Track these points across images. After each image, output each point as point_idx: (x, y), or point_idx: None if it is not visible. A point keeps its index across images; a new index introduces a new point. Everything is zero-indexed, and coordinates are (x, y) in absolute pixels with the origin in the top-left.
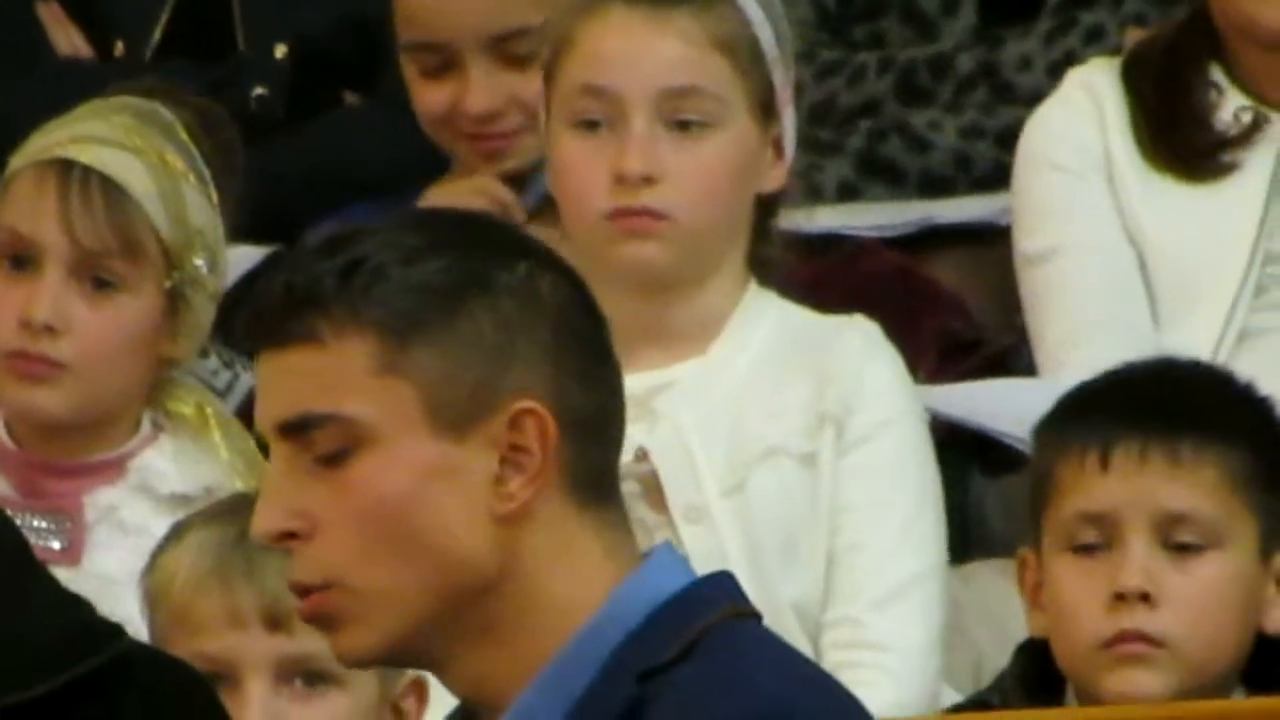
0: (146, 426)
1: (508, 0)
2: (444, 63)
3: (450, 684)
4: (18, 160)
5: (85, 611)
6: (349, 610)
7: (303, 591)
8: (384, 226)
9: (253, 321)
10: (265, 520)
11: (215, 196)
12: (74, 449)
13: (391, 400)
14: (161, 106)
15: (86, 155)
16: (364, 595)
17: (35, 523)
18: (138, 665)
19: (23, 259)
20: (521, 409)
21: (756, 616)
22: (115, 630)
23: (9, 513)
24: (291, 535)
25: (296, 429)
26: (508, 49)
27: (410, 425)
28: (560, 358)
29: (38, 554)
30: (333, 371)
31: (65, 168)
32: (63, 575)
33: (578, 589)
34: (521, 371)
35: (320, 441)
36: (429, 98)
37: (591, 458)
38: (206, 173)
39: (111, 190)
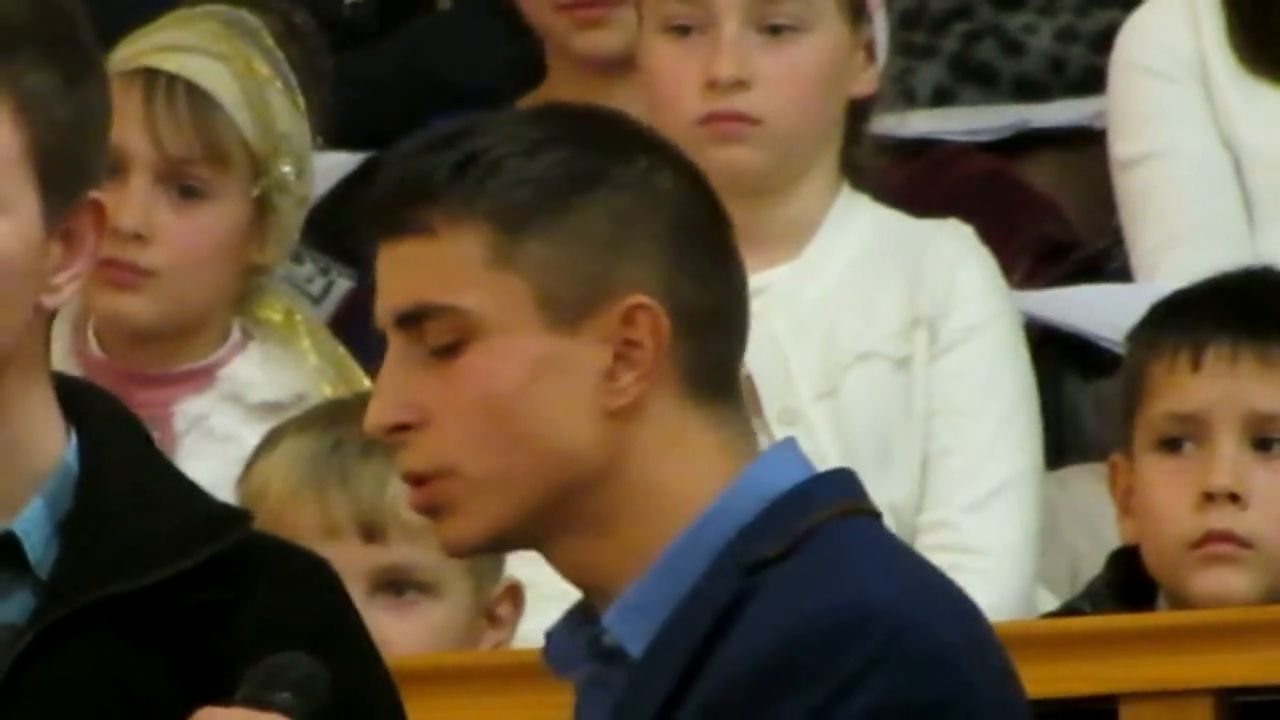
0: (235, 334)
1: None
2: None
3: (557, 567)
4: None
5: (212, 499)
6: (459, 498)
7: (416, 480)
8: (502, 119)
9: (370, 213)
10: (379, 413)
11: (301, 102)
12: (163, 358)
13: (504, 293)
14: (247, 14)
15: (171, 63)
16: (474, 483)
17: None
18: (265, 551)
19: (109, 168)
20: (634, 304)
21: (874, 514)
22: (243, 515)
23: None
24: (404, 427)
25: (410, 320)
26: None
27: (522, 318)
28: (677, 254)
29: None
30: (446, 263)
31: (150, 76)
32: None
33: (690, 483)
34: (636, 266)
35: (433, 333)
36: None
37: (707, 354)
38: (293, 78)
39: (197, 97)
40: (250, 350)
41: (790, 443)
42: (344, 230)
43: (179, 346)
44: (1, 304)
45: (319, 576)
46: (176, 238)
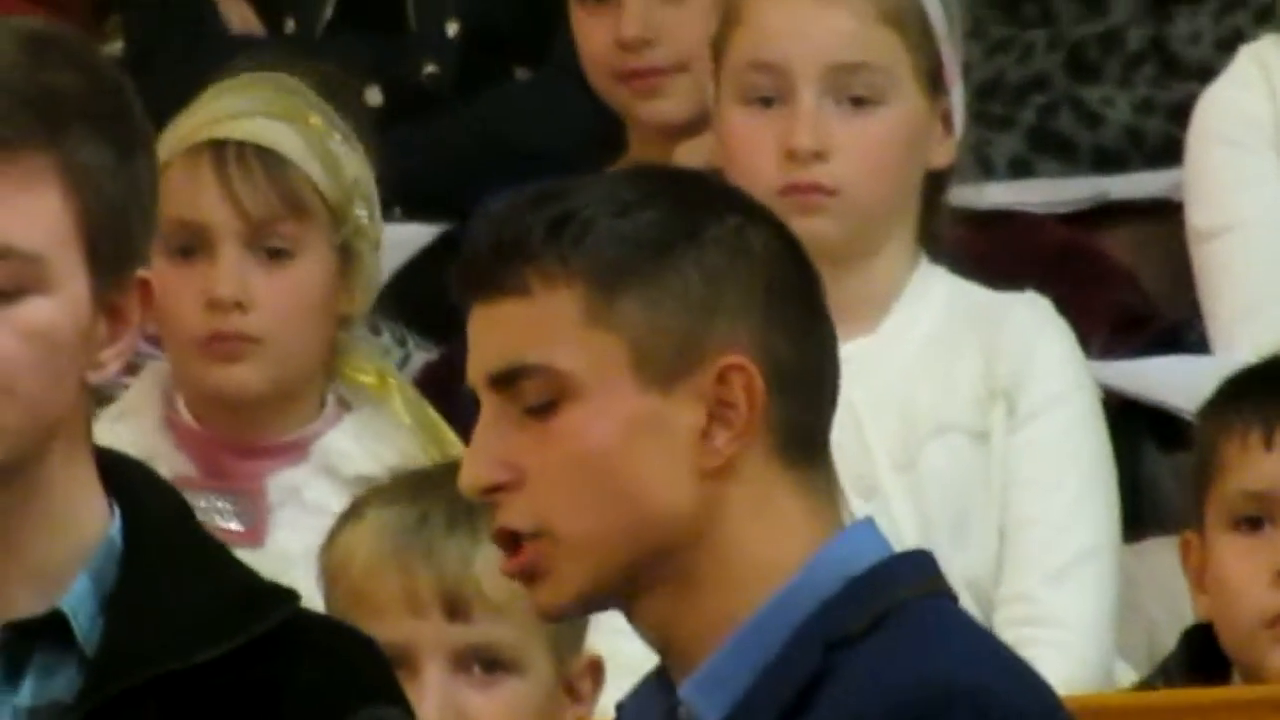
0: (330, 406)
1: None
2: None
3: (640, 627)
4: (164, 151)
5: (257, 576)
6: (554, 562)
7: (509, 538)
8: (595, 180)
9: (463, 273)
10: (474, 473)
11: (359, 148)
12: (258, 428)
13: (599, 352)
14: (283, 75)
15: (235, 130)
16: (569, 545)
17: (218, 503)
18: (311, 629)
19: (190, 247)
20: (729, 364)
21: (951, 595)
22: (289, 594)
23: (192, 492)
24: (499, 488)
25: (505, 380)
26: None
27: (617, 377)
28: (770, 313)
29: (219, 534)
30: (541, 323)
31: (217, 147)
32: (245, 556)
33: (776, 550)
34: (730, 326)
35: (528, 393)
36: (589, 32)
37: (799, 416)
38: (347, 127)
39: (268, 158)
40: (345, 423)
41: (870, 521)
42: (422, 302)
43: (275, 416)
44: (48, 379)
45: (365, 654)
46: (274, 300)
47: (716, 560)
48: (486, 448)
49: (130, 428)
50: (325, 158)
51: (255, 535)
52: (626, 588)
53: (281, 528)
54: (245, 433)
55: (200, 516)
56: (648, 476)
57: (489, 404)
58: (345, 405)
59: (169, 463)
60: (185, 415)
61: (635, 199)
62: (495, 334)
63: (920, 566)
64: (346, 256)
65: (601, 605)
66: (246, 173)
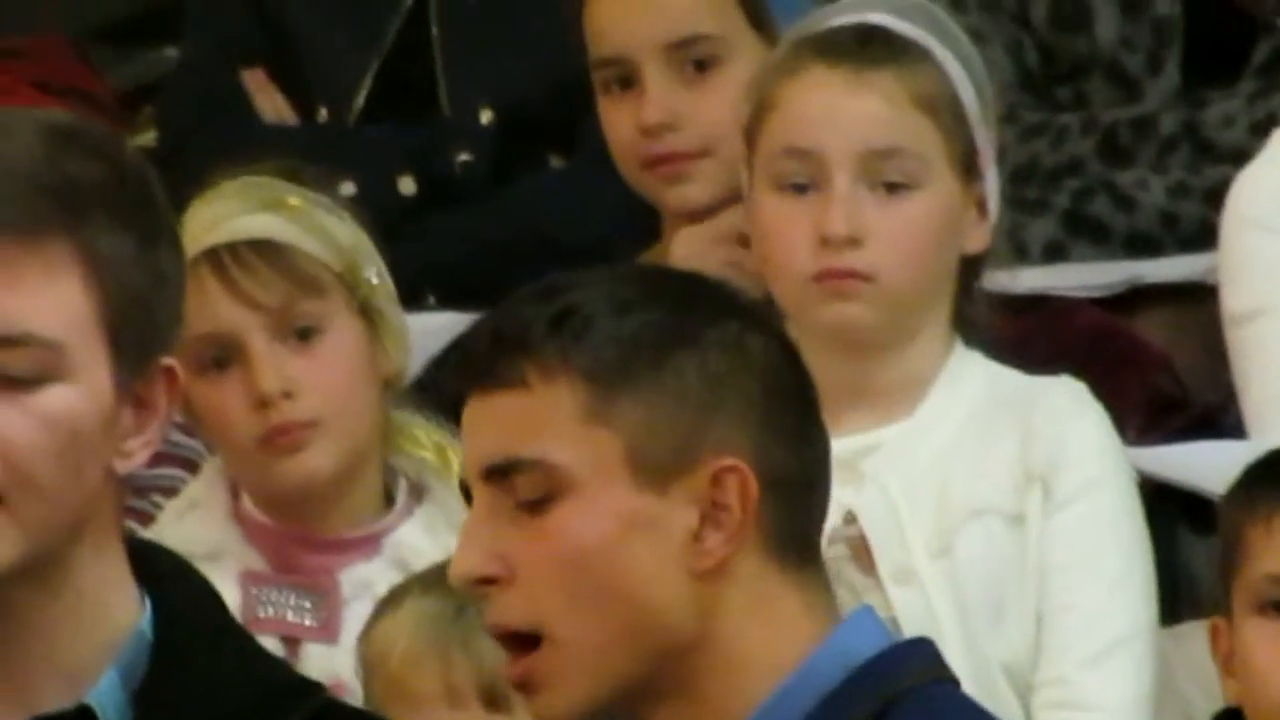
0: (401, 500)
1: (680, 9)
2: (625, 76)
3: None
4: None
5: (289, 669)
6: (553, 671)
7: (503, 635)
8: (598, 277)
9: (462, 364)
10: (465, 563)
11: (345, 215)
12: (327, 520)
13: (595, 449)
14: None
15: (224, 234)
16: (568, 650)
17: (290, 598)
18: (339, 718)
19: (222, 358)
20: (724, 466)
21: (954, 682)
22: (317, 687)
23: (261, 588)
24: (490, 580)
25: (500, 473)
26: (681, 56)
27: (612, 475)
28: (766, 417)
29: (293, 630)
30: (539, 417)
31: (211, 256)
32: (318, 651)
33: (775, 648)
34: (726, 428)
35: (522, 487)
36: (615, 120)
37: (793, 518)
38: (327, 199)
39: (263, 249)
40: (417, 516)
41: (869, 610)
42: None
43: (342, 504)
44: (70, 469)
45: None
46: (317, 379)
47: (717, 663)
48: (478, 540)
49: (199, 521)
50: (316, 231)
51: (329, 631)
52: (629, 698)
53: (355, 623)
54: (314, 525)
55: (273, 611)
56: (641, 575)
57: (482, 496)
58: (416, 498)
59: (239, 557)
60: (253, 510)
61: (637, 298)
62: (491, 426)
63: (921, 654)
64: (370, 317)
65: (604, 715)
66: (248, 269)
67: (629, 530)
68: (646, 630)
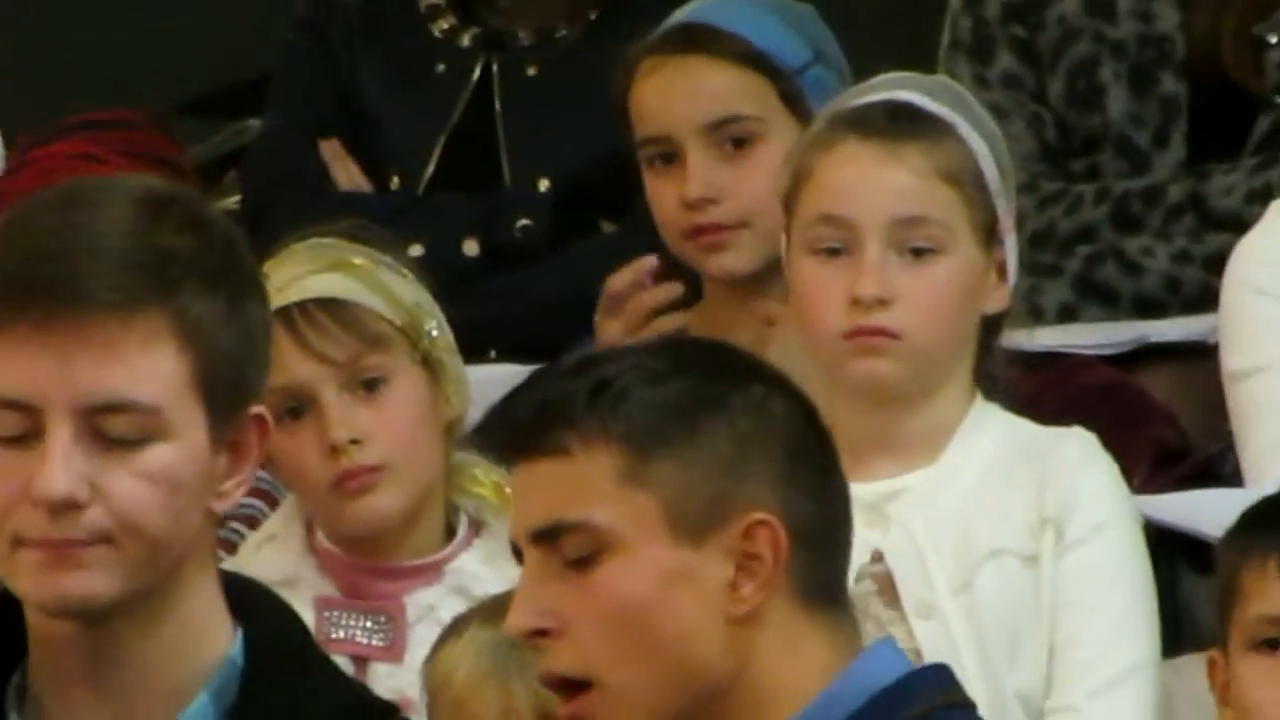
0: (462, 532)
1: (718, 92)
2: (668, 153)
3: None
4: None
5: (367, 691)
6: (603, 711)
7: (556, 682)
8: (630, 350)
9: (508, 435)
10: (519, 618)
11: (406, 272)
12: (393, 551)
13: (635, 510)
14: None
15: (294, 294)
16: (615, 695)
17: (361, 621)
18: None
19: (296, 408)
20: (755, 520)
21: (970, 706)
22: (393, 708)
23: (333, 613)
24: (543, 633)
25: (547, 536)
26: (720, 135)
27: (652, 533)
28: (791, 473)
29: (362, 650)
30: (581, 482)
31: (283, 314)
32: (385, 670)
33: (803, 683)
34: (755, 485)
35: (569, 547)
36: (659, 193)
37: (820, 565)
38: (389, 259)
39: (331, 307)
40: (476, 547)
41: (891, 640)
42: None
43: (407, 538)
44: (172, 517)
45: None
46: (383, 427)
47: (749, 700)
48: (531, 597)
49: (276, 552)
50: (380, 289)
51: (395, 651)
52: None
53: (419, 644)
54: (381, 556)
55: (344, 634)
56: (682, 625)
57: (532, 556)
58: (475, 531)
59: (313, 585)
60: (325, 542)
61: (668, 368)
62: (537, 492)
63: (939, 680)
64: (432, 368)
65: None
66: (317, 327)
67: (669, 583)
68: (687, 674)
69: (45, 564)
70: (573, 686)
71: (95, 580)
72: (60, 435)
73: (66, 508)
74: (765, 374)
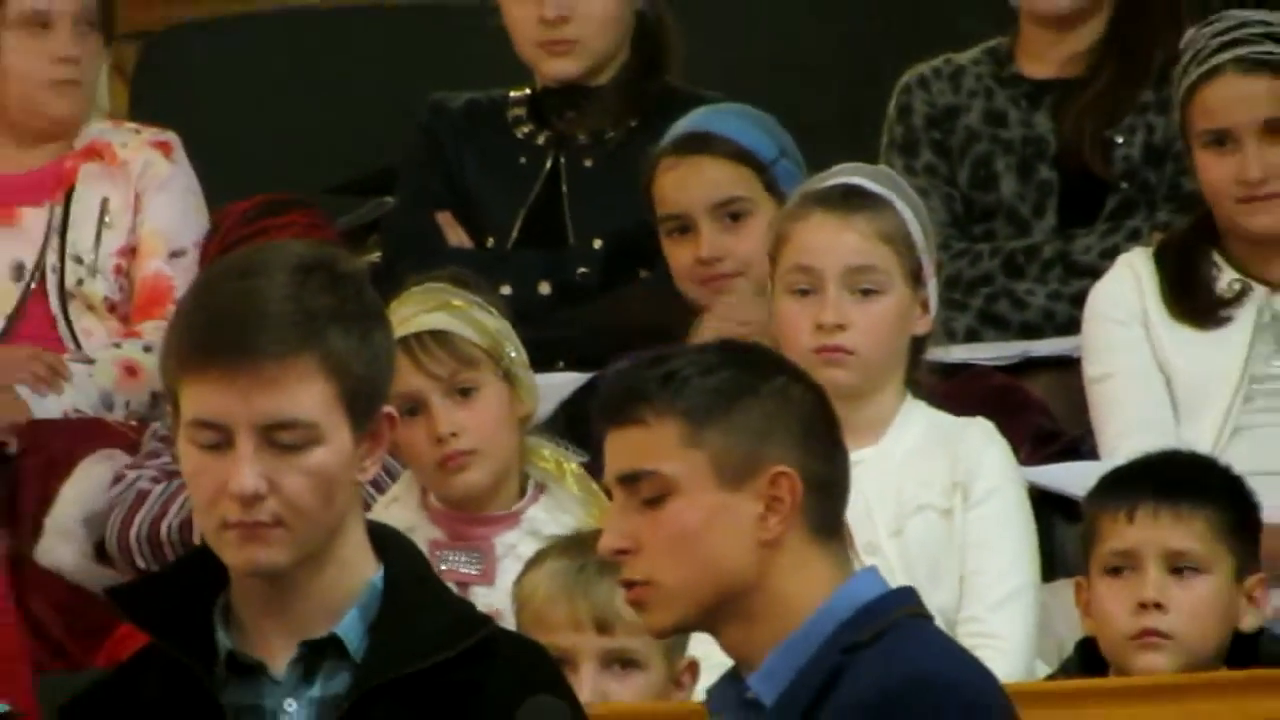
0: (531, 491)
1: (721, 180)
2: (683, 225)
3: (721, 644)
4: None
5: (471, 606)
6: (658, 599)
7: (628, 585)
8: (690, 349)
9: (601, 409)
10: (608, 540)
11: (495, 310)
12: (484, 506)
13: (691, 464)
14: (429, 283)
15: (411, 327)
16: (669, 589)
17: (462, 557)
18: (504, 642)
19: (411, 409)
20: (779, 472)
21: (929, 616)
22: (488, 619)
23: (442, 551)
24: (623, 551)
25: (629, 480)
26: (723, 211)
27: (703, 481)
28: (805, 440)
29: (464, 578)
30: (654, 444)
31: (403, 342)
32: (481, 592)
33: (810, 591)
34: (779, 448)
35: (644, 490)
36: (676, 254)
37: (825, 508)
38: (480, 299)
39: (436, 336)
40: (542, 500)
41: (874, 569)
42: (577, 423)
43: (493, 497)
44: (329, 500)
45: (540, 658)
46: (475, 422)
47: (769, 601)
48: (616, 525)
49: (400, 508)
50: (472, 324)
51: (488, 578)
52: (708, 619)
53: (506, 573)
54: (475, 510)
55: (450, 565)
56: (722, 546)
57: (618, 496)
58: (541, 489)
59: (425, 531)
60: (435, 502)
61: (717, 363)
62: (623, 450)
63: (907, 597)
64: (510, 379)
65: (693, 629)
66: (427, 352)
67: (715, 516)
68: (721, 580)
69: (240, 541)
70: (639, 586)
71: (275, 553)
72: (246, 446)
73: (253, 499)
74: (788, 368)
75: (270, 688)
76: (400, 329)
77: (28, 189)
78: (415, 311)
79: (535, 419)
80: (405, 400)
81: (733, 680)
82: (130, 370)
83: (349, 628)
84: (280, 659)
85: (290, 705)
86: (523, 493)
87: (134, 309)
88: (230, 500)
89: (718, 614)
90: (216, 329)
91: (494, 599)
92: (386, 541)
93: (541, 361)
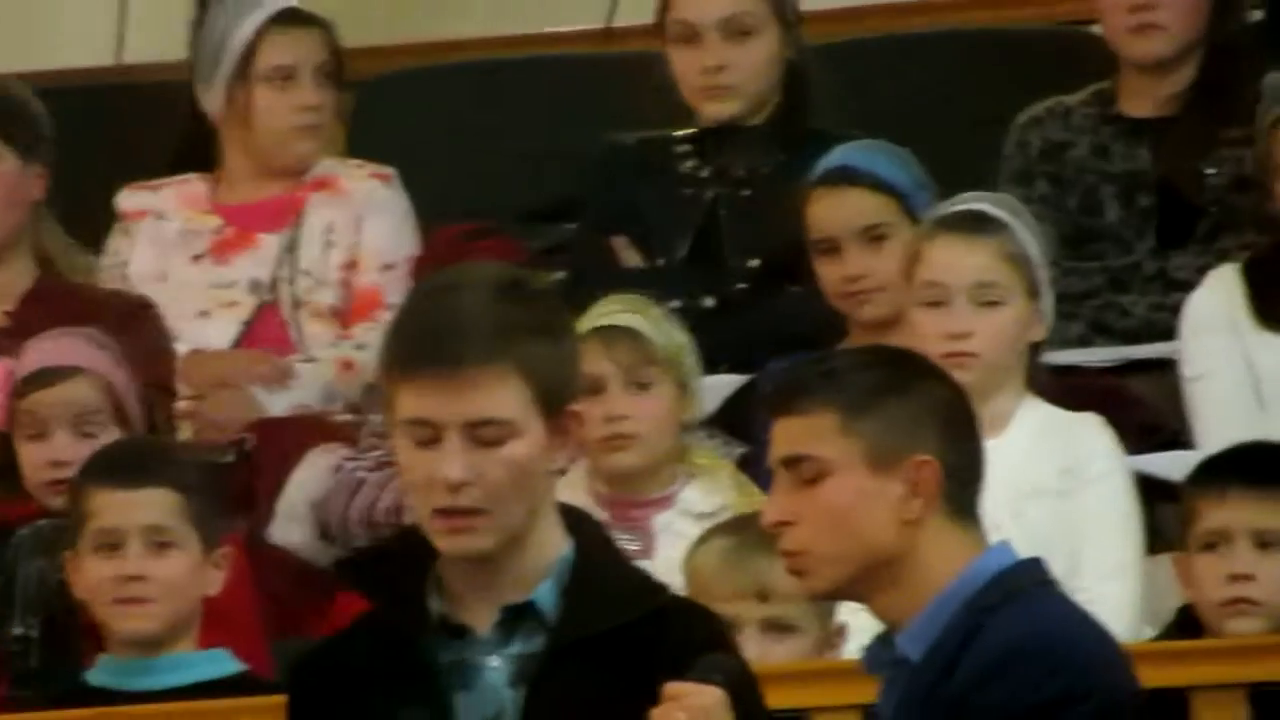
0: (682, 476)
1: (865, 209)
2: (832, 247)
3: (871, 610)
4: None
5: (648, 575)
6: (813, 566)
7: (788, 554)
8: (847, 351)
9: (771, 401)
10: (771, 514)
11: (680, 324)
12: (642, 490)
13: (846, 450)
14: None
15: (607, 321)
16: (821, 557)
17: (624, 534)
18: (678, 607)
19: (595, 388)
20: (921, 460)
21: (1054, 584)
22: (664, 586)
23: (609, 528)
24: (783, 523)
25: (792, 463)
26: (868, 234)
27: (856, 465)
28: (945, 431)
29: (627, 552)
30: (814, 431)
31: (601, 333)
32: (642, 565)
33: (949, 563)
34: (923, 439)
35: (804, 471)
36: (826, 273)
37: (963, 491)
38: (672, 316)
39: (628, 332)
40: (694, 483)
41: (1005, 542)
42: (738, 419)
43: (649, 481)
44: (526, 489)
45: (710, 622)
46: (643, 413)
47: (913, 572)
48: (778, 501)
49: (569, 491)
50: (662, 331)
51: (647, 553)
52: (858, 588)
53: (662, 549)
54: (635, 493)
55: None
56: (870, 524)
57: (781, 476)
58: (691, 477)
59: (593, 513)
60: (600, 485)
61: (871, 363)
62: (787, 436)
63: (1036, 567)
64: (682, 388)
65: (846, 596)
66: (617, 342)
67: (865, 497)
68: (868, 552)
69: (450, 528)
70: (796, 555)
71: (479, 539)
72: (453, 441)
73: (460, 486)
74: (933, 369)
75: (476, 647)
76: (600, 320)
77: (265, 217)
78: (617, 309)
79: (698, 418)
80: (588, 380)
81: (883, 641)
82: (347, 365)
83: (544, 595)
84: (484, 622)
85: (494, 662)
86: (675, 479)
87: (350, 314)
88: (440, 488)
89: (867, 582)
90: (426, 340)
91: (652, 570)
92: (576, 521)
93: (705, 365)
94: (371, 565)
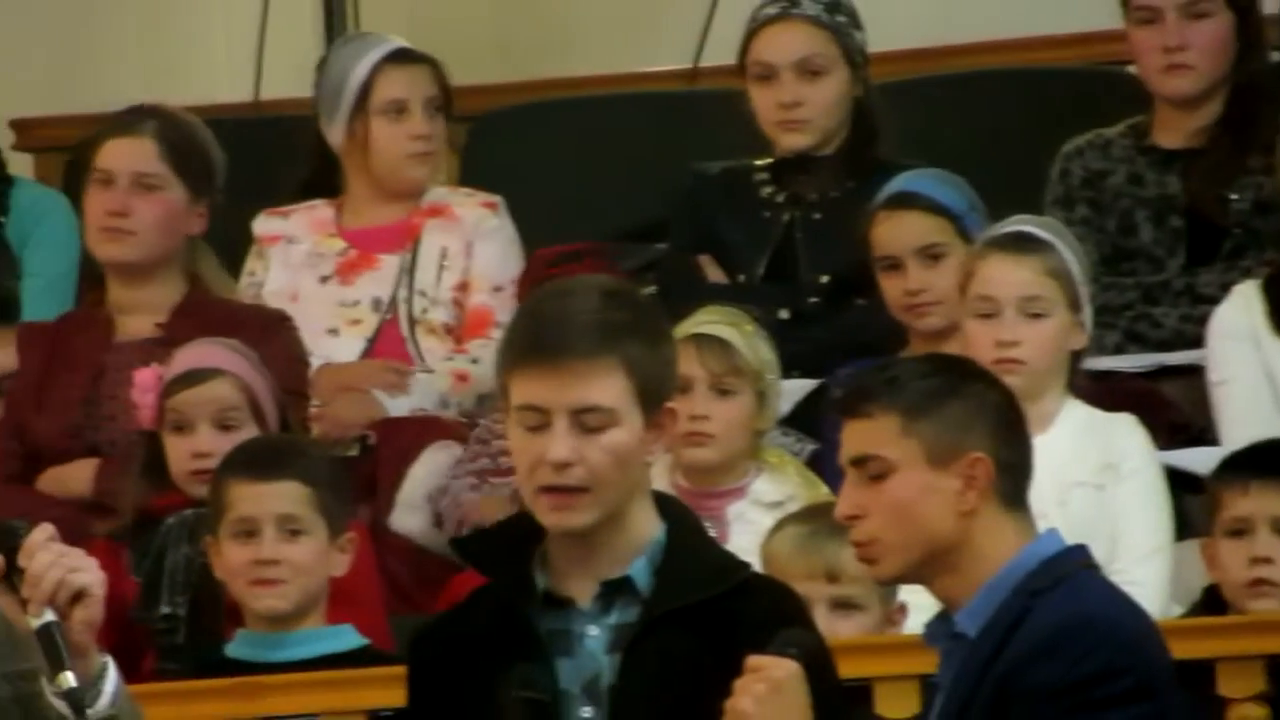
0: (753, 470)
1: (925, 230)
2: (895, 266)
3: (932, 592)
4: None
5: (732, 555)
6: (880, 554)
7: (858, 544)
8: (908, 360)
9: (839, 405)
10: (842, 508)
11: (769, 341)
12: (718, 482)
13: (907, 449)
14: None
15: (703, 329)
16: (888, 546)
17: (702, 522)
18: (759, 583)
19: (683, 388)
20: (976, 457)
21: (1098, 568)
22: (746, 564)
23: None
24: (854, 517)
25: (859, 462)
26: (927, 252)
27: (916, 463)
28: (997, 431)
29: None
30: (878, 433)
31: (696, 340)
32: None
33: (1002, 549)
34: (977, 438)
35: (870, 469)
36: (889, 287)
37: (1014, 485)
38: (764, 332)
39: (720, 342)
40: (763, 476)
41: (1054, 530)
42: (809, 417)
43: (725, 474)
44: (624, 473)
45: (788, 598)
46: (725, 417)
47: (970, 557)
48: (848, 497)
49: (655, 483)
50: (750, 345)
51: (722, 539)
52: (920, 572)
53: (737, 535)
54: (710, 485)
55: None
56: (930, 515)
57: (850, 474)
58: (761, 469)
59: None
60: (680, 477)
61: (929, 370)
62: (854, 437)
63: (1080, 553)
64: (761, 400)
65: (910, 580)
66: (708, 349)
67: (925, 491)
68: (928, 541)
69: (554, 505)
70: (865, 545)
71: (581, 515)
72: (561, 425)
73: (565, 465)
74: (986, 375)
75: (577, 617)
76: (696, 328)
77: (385, 240)
78: (713, 320)
79: (770, 427)
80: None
81: (942, 618)
82: (461, 378)
83: (639, 571)
84: (585, 595)
85: (593, 630)
86: (747, 473)
87: (464, 331)
88: (547, 468)
89: (929, 567)
90: (539, 334)
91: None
92: (668, 505)
93: (781, 371)
94: (485, 543)
